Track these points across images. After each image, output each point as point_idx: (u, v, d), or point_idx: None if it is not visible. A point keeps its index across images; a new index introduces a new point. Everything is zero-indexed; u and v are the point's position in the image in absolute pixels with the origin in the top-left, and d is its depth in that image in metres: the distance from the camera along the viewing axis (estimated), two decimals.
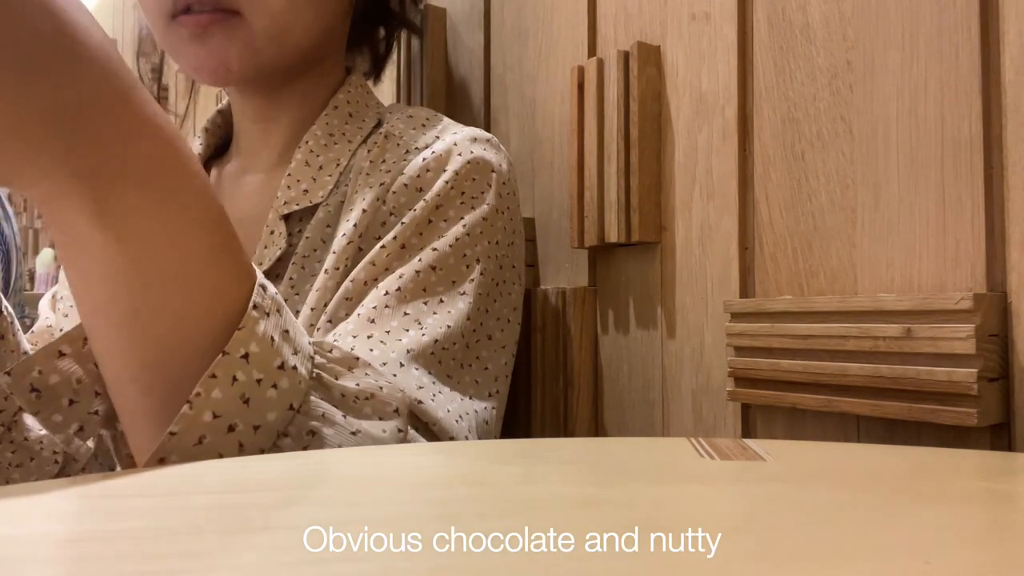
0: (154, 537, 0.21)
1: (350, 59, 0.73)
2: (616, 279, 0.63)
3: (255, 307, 0.36)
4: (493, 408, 0.56)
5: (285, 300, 0.55)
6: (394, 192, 0.56)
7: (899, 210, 0.45)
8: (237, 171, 0.66)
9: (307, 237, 0.58)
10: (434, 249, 0.54)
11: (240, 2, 0.56)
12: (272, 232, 0.59)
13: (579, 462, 0.33)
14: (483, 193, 0.57)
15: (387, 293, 0.52)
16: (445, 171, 0.56)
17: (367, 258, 0.54)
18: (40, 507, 0.24)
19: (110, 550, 0.20)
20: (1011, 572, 0.19)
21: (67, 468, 0.56)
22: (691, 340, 0.56)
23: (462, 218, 0.56)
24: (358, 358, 0.43)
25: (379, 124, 0.65)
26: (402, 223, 0.54)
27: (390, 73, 0.86)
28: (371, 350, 0.48)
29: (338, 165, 0.61)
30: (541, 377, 0.67)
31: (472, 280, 0.55)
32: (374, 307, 0.51)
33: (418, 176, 0.56)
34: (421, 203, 0.55)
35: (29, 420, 0.55)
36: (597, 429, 0.64)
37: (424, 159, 0.57)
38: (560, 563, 0.18)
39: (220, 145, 0.71)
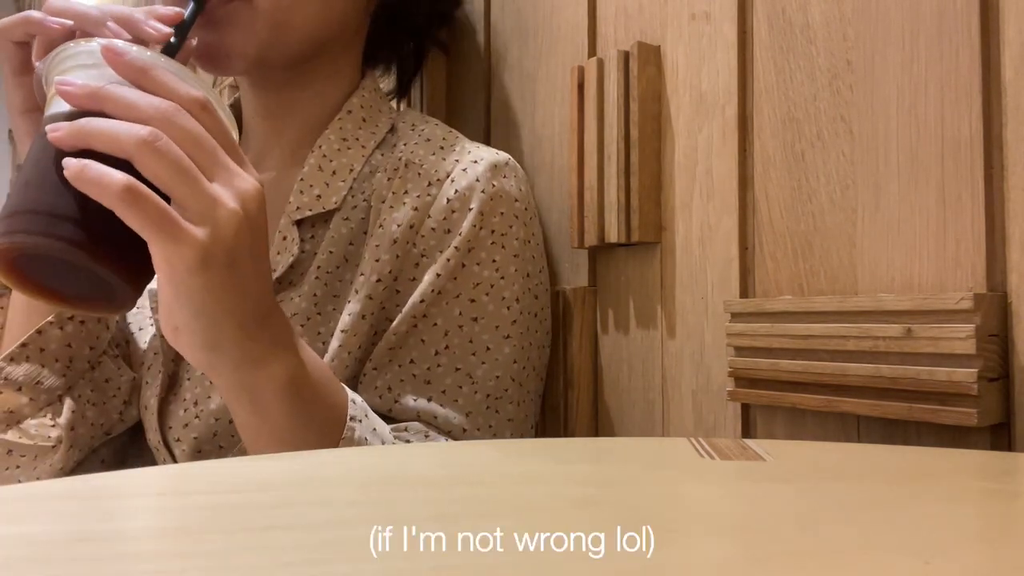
0: (154, 537, 0.21)
1: (374, 72, 0.71)
2: (616, 279, 0.63)
3: (352, 418, 0.48)
4: (533, 428, 0.63)
5: (307, 318, 0.57)
6: (423, 235, 0.58)
7: (899, 210, 0.45)
8: None
9: (330, 252, 0.58)
10: (472, 300, 0.57)
11: None
12: (285, 238, 0.59)
13: (579, 462, 0.33)
14: (511, 227, 0.59)
15: (437, 353, 0.56)
16: (470, 209, 0.58)
17: (407, 310, 0.56)
18: (40, 507, 0.24)
19: (110, 550, 0.20)
20: (1011, 572, 0.19)
21: (125, 415, 0.60)
22: (691, 340, 0.56)
23: (494, 260, 0.58)
24: (428, 435, 0.54)
25: (392, 129, 0.65)
26: (437, 274, 0.56)
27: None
28: (435, 416, 0.55)
29: (351, 171, 0.61)
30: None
31: (514, 322, 0.59)
32: (427, 368, 0.56)
33: (444, 218, 0.58)
34: (452, 249, 0.57)
35: (112, 366, 0.59)
36: (597, 429, 0.64)
37: (448, 199, 0.58)
38: (560, 563, 0.18)
39: None
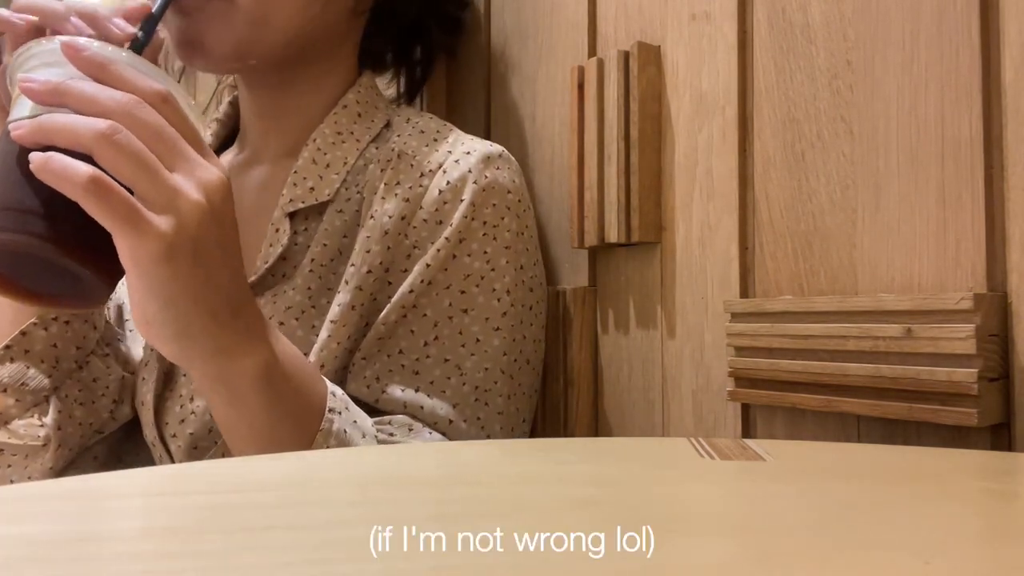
0: (154, 537, 0.21)
1: (373, 74, 0.71)
2: (616, 279, 0.63)
3: (330, 410, 0.48)
4: (526, 423, 0.62)
5: (301, 311, 0.57)
6: (414, 227, 0.57)
7: (899, 210, 0.45)
8: (244, 163, 0.66)
9: (324, 244, 0.58)
10: (462, 292, 0.57)
11: None
12: (277, 230, 0.59)
13: (579, 462, 0.33)
14: (503, 219, 0.59)
15: (426, 344, 0.56)
16: (462, 200, 0.57)
17: (396, 300, 0.56)
18: (40, 507, 0.24)
19: (110, 550, 0.20)
20: (1011, 572, 0.19)
21: (117, 414, 0.60)
22: (691, 340, 0.56)
23: (485, 251, 0.57)
24: (412, 428, 0.53)
25: (388, 124, 0.65)
26: (427, 265, 0.56)
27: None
28: (421, 407, 0.54)
29: (345, 163, 0.61)
30: (542, 377, 0.67)
31: (505, 314, 0.58)
32: (416, 359, 0.56)
33: (436, 210, 0.57)
34: (443, 240, 0.56)
35: (101, 365, 0.59)
36: (597, 429, 0.64)
37: (440, 190, 0.58)
38: (560, 563, 0.18)
39: (229, 136, 0.71)
